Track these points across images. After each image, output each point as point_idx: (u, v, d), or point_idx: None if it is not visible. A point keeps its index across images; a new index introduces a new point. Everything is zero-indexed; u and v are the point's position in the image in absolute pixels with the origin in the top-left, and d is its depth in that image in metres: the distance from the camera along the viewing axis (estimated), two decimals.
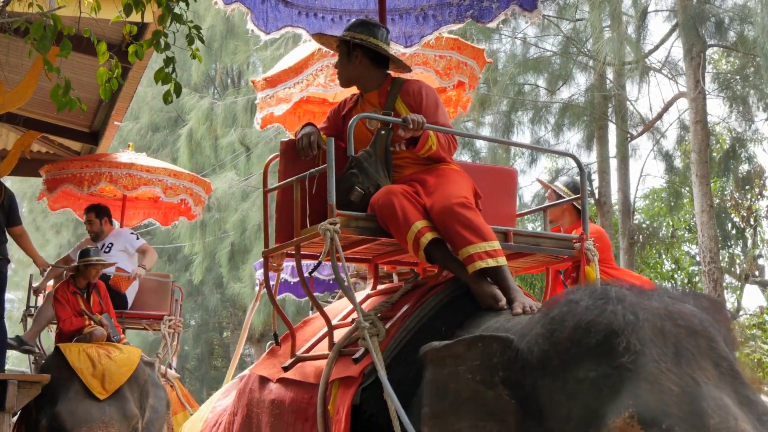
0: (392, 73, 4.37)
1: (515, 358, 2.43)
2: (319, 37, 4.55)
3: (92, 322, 7.61)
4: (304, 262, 4.01)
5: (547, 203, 5.64)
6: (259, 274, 10.89)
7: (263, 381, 4.13)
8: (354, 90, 4.40)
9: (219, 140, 20.92)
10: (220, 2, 4.72)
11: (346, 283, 3.69)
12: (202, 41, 4.99)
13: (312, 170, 3.91)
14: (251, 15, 4.98)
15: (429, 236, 3.68)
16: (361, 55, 4.24)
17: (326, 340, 3.86)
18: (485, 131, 18.28)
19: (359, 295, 4.23)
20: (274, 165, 4.49)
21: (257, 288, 11.12)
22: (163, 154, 21.37)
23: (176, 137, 22.58)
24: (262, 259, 12.05)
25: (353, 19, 4.49)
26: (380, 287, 4.34)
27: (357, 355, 3.50)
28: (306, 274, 3.92)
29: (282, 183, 4.12)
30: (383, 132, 4.08)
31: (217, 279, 22.67)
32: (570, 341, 2.30)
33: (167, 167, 9.57)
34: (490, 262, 3.61)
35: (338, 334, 3.77)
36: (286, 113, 6.44)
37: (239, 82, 24.94)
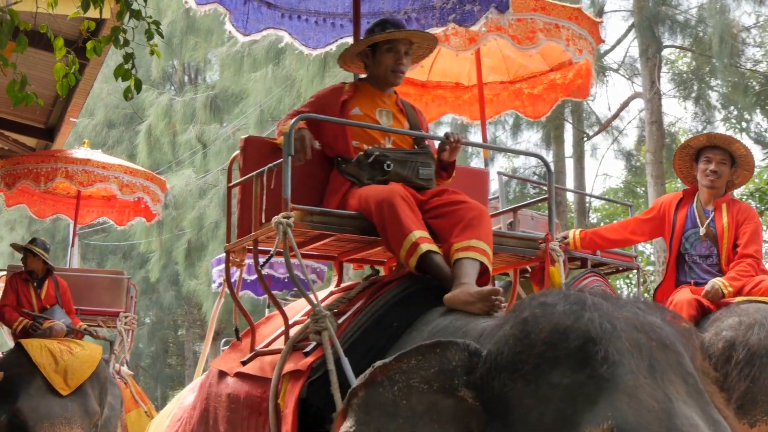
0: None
1: (480, 359, 2.39)
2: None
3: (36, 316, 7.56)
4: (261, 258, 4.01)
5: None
6: (216, 271, 10.87)
7: (222, 375, 4.13)
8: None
9: (177, 137, 20.78)
10: (192, 2, 4.62)
11: (301, 278, 3.67)
12: (162, 36, 4.95)
13: (270, 165, 3.92)
14: (230, 16, 4.91)
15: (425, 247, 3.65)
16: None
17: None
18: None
19: (321, 294, 4.23)
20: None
21: (215, 285, 11.08)
22: (118, 151, 21.17)
23: (132, 134, 22.40)
24: (218, 257, 11.97)
25: (385, 20, 4.41)
26: (343, 284, 4.33)
27: (307, 349, 3.50)
28: (260, 268, 3.93)
29: (244, 178, 4.11)
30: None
31: (172, 276, 22.52)
32: (546, 344, 2.25)
33: (123, 164, 9.49)
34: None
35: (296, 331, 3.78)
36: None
37: (197, 78, 24.79)
